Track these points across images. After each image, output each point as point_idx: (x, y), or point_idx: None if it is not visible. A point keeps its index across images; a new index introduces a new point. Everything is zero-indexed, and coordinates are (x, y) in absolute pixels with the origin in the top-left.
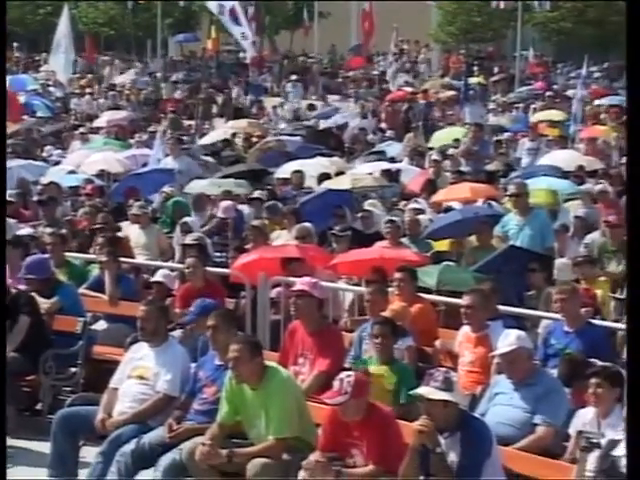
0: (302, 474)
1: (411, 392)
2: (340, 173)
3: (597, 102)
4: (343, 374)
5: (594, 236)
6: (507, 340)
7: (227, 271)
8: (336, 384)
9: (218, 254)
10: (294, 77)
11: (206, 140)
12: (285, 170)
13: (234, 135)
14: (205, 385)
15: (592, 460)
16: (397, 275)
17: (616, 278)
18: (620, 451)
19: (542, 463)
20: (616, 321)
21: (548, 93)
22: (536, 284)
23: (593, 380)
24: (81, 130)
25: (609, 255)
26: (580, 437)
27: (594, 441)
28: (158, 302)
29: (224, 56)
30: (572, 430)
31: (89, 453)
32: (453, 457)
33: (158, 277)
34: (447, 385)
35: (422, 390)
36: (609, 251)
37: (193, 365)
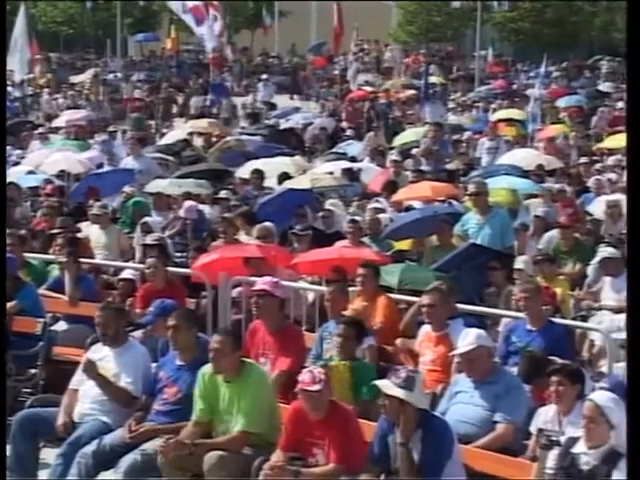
0: (263, 474)
1: (373, 382)
2: (301, 173)
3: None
4: (310, 367)
5: (551, 235)
6: (467, 339)
7: (188, 271)
8: (306, 375)
9: (179, 254)
10: (265, 76)
11: (166, 140)
12: (246, 170)
13: (191, 135)
14: (166, 385)
15: (552, 458)
16: (360, 271)
17: (574, 277)
18: (579, 448)
19: (502, 461)
20: (574, 319)
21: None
22: (496, 282)
23: (554, 378)
24: (40, 130)
25: (563, 256)
26: (540, 435)
27: (554, 439)
28: (114, 305)
29: (184, 56)
30: (533, 428)
31: (49, 455)
32: (415, 456)
33: (124, 274)
34: (408, 383)
35: (380, 382)
36: (563, 251)
37: (154, 365)
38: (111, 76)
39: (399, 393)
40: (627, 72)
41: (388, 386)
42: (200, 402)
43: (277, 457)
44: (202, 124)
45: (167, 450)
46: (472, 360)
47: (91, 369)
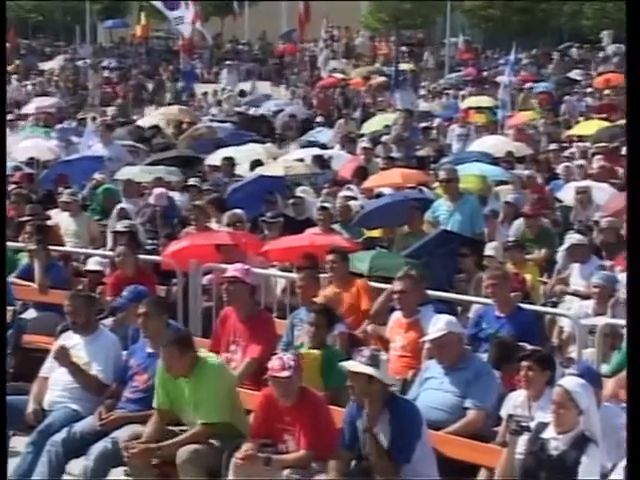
0: (233, 462)
1: (340, 363)
2: (272, 160)
3: (527, 86)
4: (280, 354)
5: (519, 223)
6: (437, 325)
7: (158, 258)
8: (276, 362)
9: (150, 241)
10: (228, 62)
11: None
12: (216, 157)
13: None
14: (136, 373)
15: (522, 443)
16: (328, 258)
17: (541, 263)
18: (549, 433)
19: (473, 447)
20: (544, 305)
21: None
22: (467, 269)
23: (524, 363)
24: (9, 117)
25: (530, 243)
26: (510, 420)
27: (524, 424)
28: (84, 293)
29: (154, 42)
30: (503, 413)
31: (19, 443)
32: (383, 439)
33: (91, 265)
34: (373, 361)
35: (347, 363)
36: (529, 239)
37: (124, 353)
38: (80, 62)
39: (366, 369)
40: (627, 71)
41: (354, 364)
42: (160, 391)
43: (248, 445)
44: (173, 111)
45: (134, 457)
46: (442, 346)
47: (63, 356)
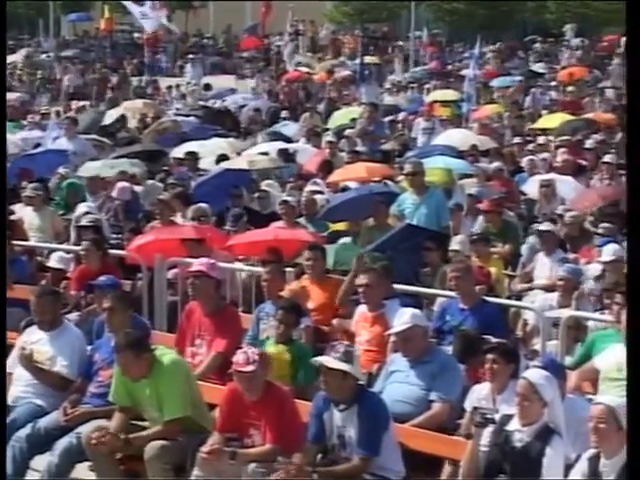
0: (199, 457)
1: (310, 365)
2: (237, 154)
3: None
4: (245, 347)
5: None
6: (402, 319)
7: (123, 253)
8: (241, 356)
9: (114, 236)
10: (193, 56)
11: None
12: (180, 151)
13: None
14: (101, 368)
15: (486, 435)
16: (307, 254)
17: (505, 257)
18: (513, 426)
19: (438, 439)
20: (509, 298)
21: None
22: (432, 262)
23: (489, 356)
24: None
25: (494, 237)
26: (475, 413)
27: (488, 416)
28: (49, 289)
29: (118, 36)
30: (467, 406)
31: None
32: (351, 431)
33: (53, 262)
34: (347, 357)
35: (322, 359)
36: (492, 233)
37: (89, 348)
38: (44, 56)
39: (342, 366)
40: (628, 71)
41: (329, 360)
42: (121, 390)
43: (214, 439)
44: (137, 105)
45: (100, 446)
46: (407, 339)
47: (24, 359)
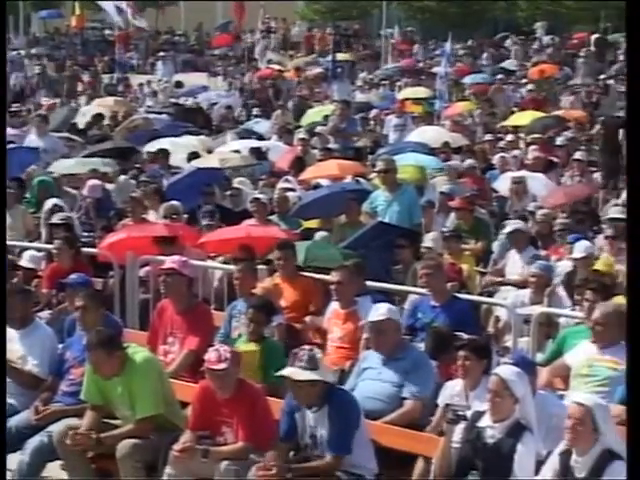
0: (171, 455)
1: (277, 374)
2: (209, 151)
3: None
4: (217, 345)
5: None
6: (378, 311)
7: (95, 251)
8: (213, 354)
9: (86, 234)
10: (164, 53)
11: (81, 118)
12: (152, 148)
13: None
14: (72, 366)
15: (458, 432)
16: (277, 252)
17: (478, 253)
18: (485, 422)
19: (410, 436)
20: (481, 295)
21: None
22: (404, 259)
23: (461, 353)
24: None
25: (466, 234)
26: (447, 409)
27: (460, 413)
28: (19, 287)
29: (89, 33)
30: (440, 402)
31: None
32: (323, 431)
33: (24, 261)
34: (312, 364)
35: (287, 372)
36: (464, 230)
37: (60, 346)
38: (14, 53)
39: (308, 376)
40: (628, 71)
41: (295, 372)
42: (92, 388)
43: (186, 437)
44: (108, 102)
45: (73, 445)
46: (381, 331)
47: None
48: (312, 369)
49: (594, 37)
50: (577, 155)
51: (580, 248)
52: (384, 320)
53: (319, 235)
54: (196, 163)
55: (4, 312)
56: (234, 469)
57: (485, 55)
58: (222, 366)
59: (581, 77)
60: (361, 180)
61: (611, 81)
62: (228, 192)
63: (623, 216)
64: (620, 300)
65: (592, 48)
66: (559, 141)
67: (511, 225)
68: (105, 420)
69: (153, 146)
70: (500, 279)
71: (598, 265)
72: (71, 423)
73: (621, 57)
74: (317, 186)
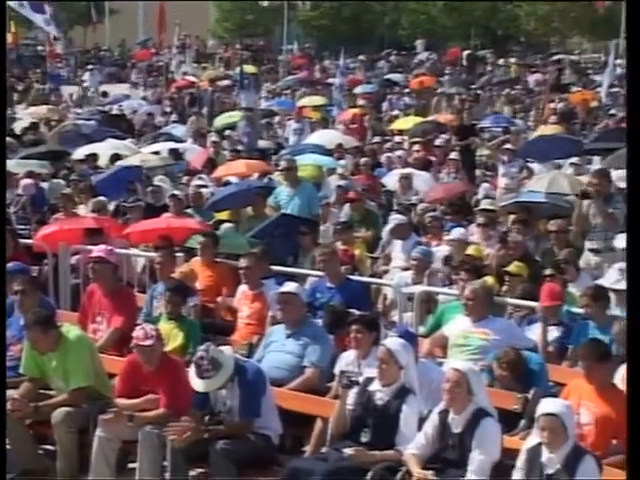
0: (101, 420)
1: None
2: (132, 154)
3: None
4: (143, 324)
5: (349, 205)
6: (287, 287)
7: (31, 242)
8: (140, 332)
9: (22, 227)
10: (91, 66)
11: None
12: (81, 151)
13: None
14: (12, 344)
15: (352, 395)
16: (200, 240)
17: (369, 240)
18: (375, 387)
19: (310, 400)
20: (371, 277)
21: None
22: (305, 246)
23: (353, 327)
24: None
25: (357, 224)
26: (342, 376)
27: (353, 379)
28: None
29: (23, 49)
30: (336, 370)
31: None
32: (235, 401)
33: None
34: (215, 364)
35: (201, 387)
36: (356, 220)
37: None
38: None
39: (218, 383)
40: (628, 71)
41: (207, 384)
42: (30, 363)
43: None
44: (42, 110)
45: (14, 412)
46: (288, 303)
47: None
48: (217, 369)
49: (466, 53)
50: (452, 155)
51: (455, 234)
52: (291, 293)
53: (224, 227)
54: (120, 163)
55: (4, 312)
56: (155, 432)
57: (374, 67)
58: (149, 342)
59: (455, 87)
60: (268, 177)
61: (480, 91)
62: (149, 189)
63: (492, 207)
64: (489, 280)
65: (464, 62)
66: (437, 142)
67: (392, 221)
68: (42, 391)
69: (82, 150)
70: (388, 264)
71: (470, 250)
72: (11, 394)
73: (489, 69)
74: (227, 183)
